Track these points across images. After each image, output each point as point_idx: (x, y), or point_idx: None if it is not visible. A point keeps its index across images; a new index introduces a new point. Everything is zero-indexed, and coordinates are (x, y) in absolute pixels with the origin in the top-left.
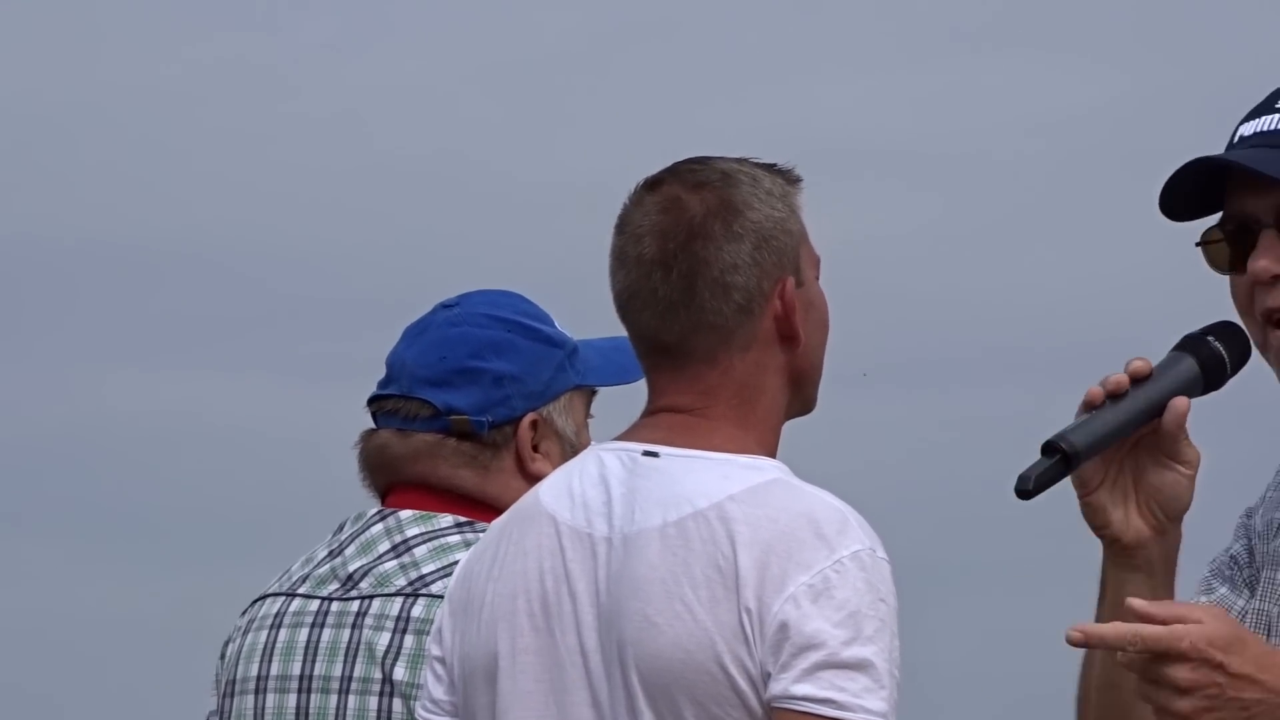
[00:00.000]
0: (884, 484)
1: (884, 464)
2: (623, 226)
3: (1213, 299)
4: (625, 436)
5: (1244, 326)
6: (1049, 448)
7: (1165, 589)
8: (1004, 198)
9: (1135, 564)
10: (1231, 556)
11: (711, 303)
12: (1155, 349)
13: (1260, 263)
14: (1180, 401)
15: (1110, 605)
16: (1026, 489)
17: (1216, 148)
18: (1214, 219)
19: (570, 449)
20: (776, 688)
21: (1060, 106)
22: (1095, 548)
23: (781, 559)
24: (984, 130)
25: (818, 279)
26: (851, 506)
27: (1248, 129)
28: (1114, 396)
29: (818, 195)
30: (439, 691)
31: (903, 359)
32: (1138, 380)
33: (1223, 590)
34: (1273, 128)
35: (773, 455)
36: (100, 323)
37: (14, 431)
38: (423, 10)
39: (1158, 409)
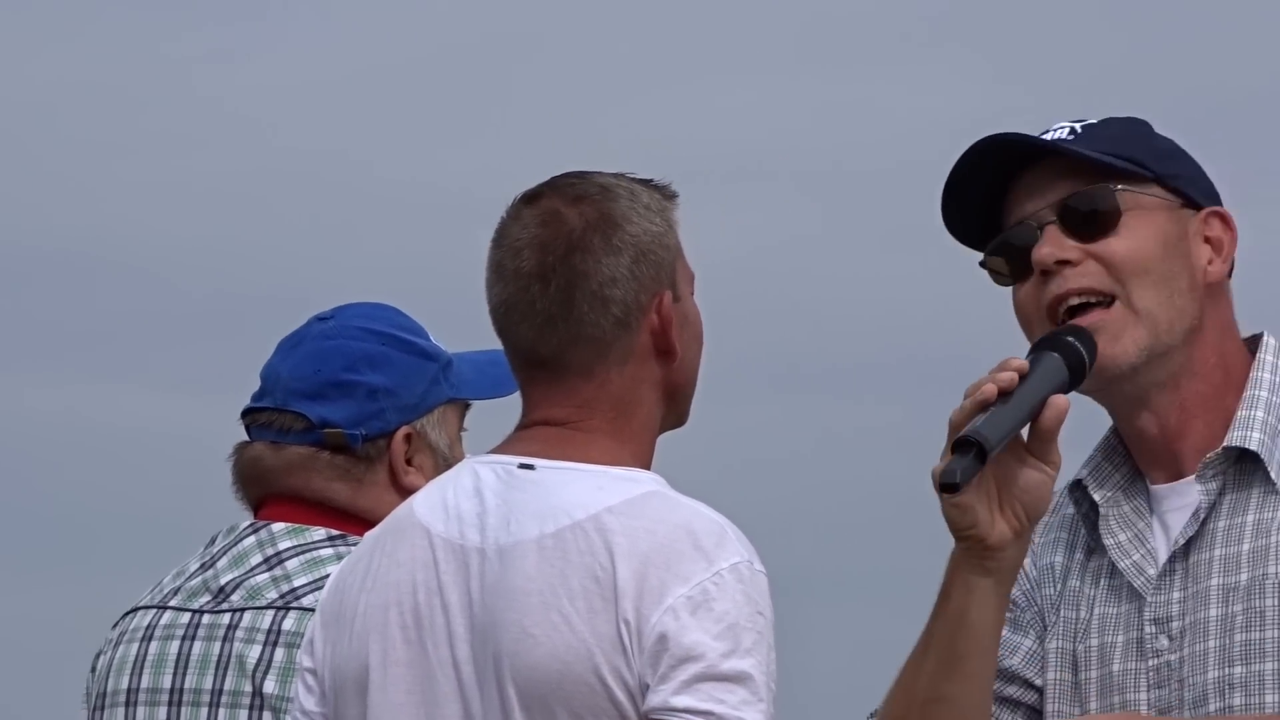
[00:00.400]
0: (762, 492)
1: (761, 471)
2: (500, 239)
3: None
4: (501, 449)
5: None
6: (964, 443)
7: (1007, 598)
8: (889, 208)
9: (988, 568)
10: (1010, 600)
11: (590, 316)
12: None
13: (1044, 249)
14: (1061, 399)
15: (955, 611)
16: (954, 483)
17: None
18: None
19: (444, 462)
20: (655, 699)
21: (950, 117)
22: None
23: (660, 570)
24: (871, 141)
25: (693, 294)
26: (727, 516)
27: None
28: (1004, 394)
29: (708, 202)
30: (310, 703)
31: (785, 367)
32: (1021, 378)
33: (1004, 631)
34: (1064, 135)
35: (648, 468)
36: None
37: None
38: (318, 14)
39: (1040, 407)
